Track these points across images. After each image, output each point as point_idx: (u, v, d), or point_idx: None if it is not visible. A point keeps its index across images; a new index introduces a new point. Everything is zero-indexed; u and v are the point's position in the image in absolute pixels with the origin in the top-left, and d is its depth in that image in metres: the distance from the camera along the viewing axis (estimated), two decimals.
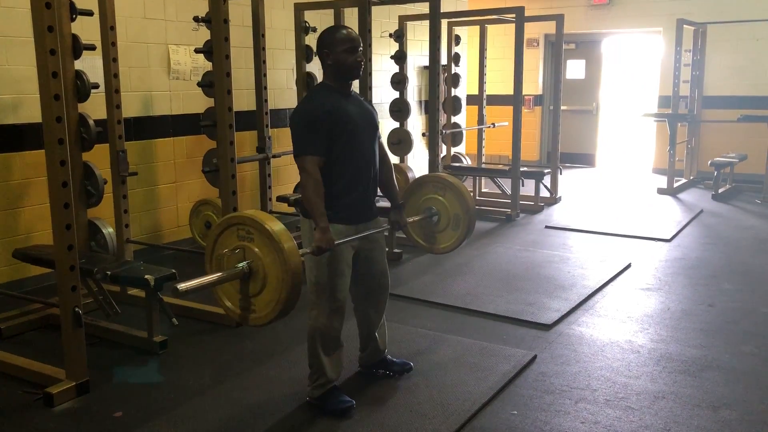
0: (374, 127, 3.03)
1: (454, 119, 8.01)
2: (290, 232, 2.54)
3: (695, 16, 8.59)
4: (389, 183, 3.20)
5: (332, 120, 2.82)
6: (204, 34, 4.37)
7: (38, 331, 3.97)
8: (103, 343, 3.74)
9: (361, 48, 2.92)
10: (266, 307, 2.53)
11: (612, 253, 5.65)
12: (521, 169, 7.09)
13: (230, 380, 3.31)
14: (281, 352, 3.64)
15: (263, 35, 5.27)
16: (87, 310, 3.57)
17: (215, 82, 3.87)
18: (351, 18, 5.94)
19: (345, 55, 2.86)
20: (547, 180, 7.64)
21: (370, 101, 3.16)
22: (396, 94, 7.03)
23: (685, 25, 8.20)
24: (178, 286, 2.37)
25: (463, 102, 8.58)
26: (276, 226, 2.48)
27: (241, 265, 2.51)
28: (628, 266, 5.24)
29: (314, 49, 5.77)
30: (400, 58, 6.86)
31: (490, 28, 8.39)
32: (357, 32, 3.01)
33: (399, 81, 6.97)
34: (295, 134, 2.86)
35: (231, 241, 2.56)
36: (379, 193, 3.14)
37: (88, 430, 2.86)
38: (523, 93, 7.22)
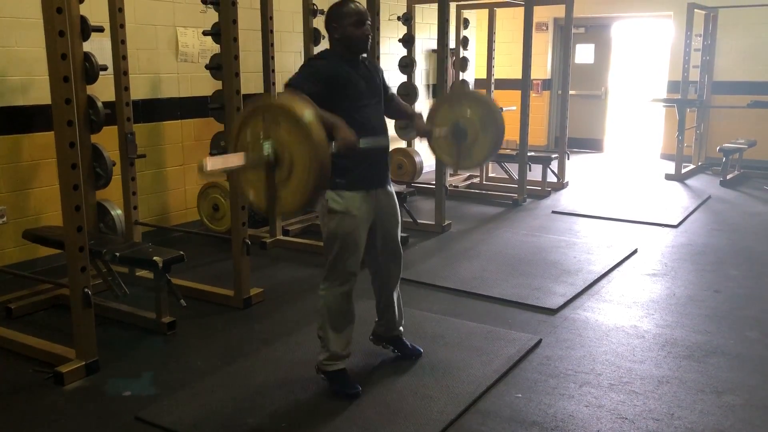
0: (380, 94, 3.02)
1: None
2: None
3: (706, 0, 8.50)
4: (403, 105, 3.23)
5: (335, 81, 2.79)
6: (212, 17, 4.36)
7: (48, 311, 4.02)
8: (112, 324, 3.77)
9: (369, 21, 2.90)
10: (294, 192, 2.42)
11: (618, 238, 5.65)
12: (529, 154, 7.07)
13: (238, 361, 3.34)
14: (288, 333, 3.67)
15: (271, 18, 5.26)
16: (96, 291, 3.60)
17: (223, 65, 3.87)
18: (359, 1, 5.90)
19: (352, 29, 2.86)
20: (554, 165, 7.62)
21: (375, 63, 3.12)
22: (404, 78, 7.02)
23: (696, 9, 8.11)
24: (205, 161, 2.25)
25: (471, 86, 8.55)
26: (304, 110, 2.36)
27: (266, 147, 2.38)
28: (635, 252, 5.24)
29: (322, 32, 5.79)
30: (408, 41, 6.83)
31: (499, 12, 8.33)
32: (361, 6, 2.97)
33: (407, 64, 6.96)
34: (292, 77, 2.80)
35: (256, 128, 2.44)
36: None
37: (98, 409, 2.90)
38: (532, 77, 7.18)
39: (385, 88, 3.14)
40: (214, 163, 2.30)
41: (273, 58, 5.29)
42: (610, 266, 4.84)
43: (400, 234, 3.20)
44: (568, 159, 7.92)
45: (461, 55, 7.82)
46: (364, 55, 3.02)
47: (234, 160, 2.42)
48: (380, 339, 3.36)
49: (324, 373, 3.03)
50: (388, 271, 3.19)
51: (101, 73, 3.96)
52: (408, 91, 6.98)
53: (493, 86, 8.11)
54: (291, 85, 2.73)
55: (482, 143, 3.29)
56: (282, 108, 2.40)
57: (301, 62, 5.96)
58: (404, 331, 3.39)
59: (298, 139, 2.34)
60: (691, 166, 8.72)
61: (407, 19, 6.92)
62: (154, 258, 3.54)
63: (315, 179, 2.35)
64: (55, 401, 2.96)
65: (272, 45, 5.28)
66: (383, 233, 3.09)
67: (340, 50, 2.92)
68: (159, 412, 2.85)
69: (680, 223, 6.17)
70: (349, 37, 2.87)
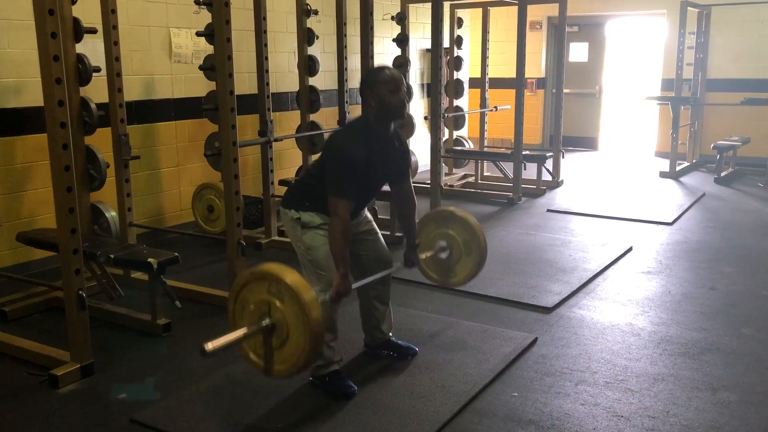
0: (401, 172, 3.09)
1: (456, 103, 8.00)
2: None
3: None
4: (410, 220, 3.23)
5: (364, 168, 2.84)
6: (205, 17, 4.35)
7: (43, 313, 4.00)
8: (107, 326, 3.76)
9: (404, 87, 2.91)
10: (287, 361, 2.49)
11: (613, 236, 5.66)
12: (523, 153, 7.08)
13: (233, 362, 3.32)
14: None
15: (265, 18, 5.25)
16: (91, 293, 3.58)
17: (217, 66, 3.86)
18: (353, 0, 5.90)
19: (389, 96, 2.85)
20: (549, 163, 7.63)
21: (406, 145, 3.18)
22: None
23: (689, 8, 8.14)
24: (205, 347, 2.33)
25: (466, 85, 8.55)
26: (302, 287, 2.43)
27: (265, 322, 2.47)
28: (630, 249, 5.25)
29: (315, 33, 5.79)
30: (402, 41, 6.83)
31: (493, 11, 8.34)
32: (396, 73, 2.95)
33: (401, 64, 6.95)
34: (333, 172, 2.83)
35: (260, 291, 2.49)
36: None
37: (93, 412, 2.90)
38: (526, 76, 7.19)
39: (405, 171, 3.15)
40: (215, 344, 2.37)
41: (267, 58, 5.28)
42: (605, 264, 4.85)
43: (389, 255, 3.23)
44: (563, 157, 7.92)
45: (455, 55, 7.82)
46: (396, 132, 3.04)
47: (234, 335, 2.48)
48: (372, 347, 3.37)
49: (319, 378, 3.02)
50: (379, 291, 3.22)
51: (94, 74, 3.95)
52: None
53: (487, 85, 8.12)
54: (338, 192, 2.77)
55: (466, 263, 3.45)
56: (292, 291, 2.41)
57: (296, 62, 5.99)
58: (399, 331, 3.38)
59: (298, 325, 2.41)
60: (686, 164, 8.74)
61: (401, 18, 6.92)
62: (149, 260, 3.53)
63: (306, 359, 2.45)
64: (49, 404, 2.95)
65: (266, 45, 5.27)
66: (369, 253, 3.14)
67: (374, 118, 2.90)
68: (154, 414, 2.84)
69: (675, 220, 6.19)
70: (385, 104, 2.86)
